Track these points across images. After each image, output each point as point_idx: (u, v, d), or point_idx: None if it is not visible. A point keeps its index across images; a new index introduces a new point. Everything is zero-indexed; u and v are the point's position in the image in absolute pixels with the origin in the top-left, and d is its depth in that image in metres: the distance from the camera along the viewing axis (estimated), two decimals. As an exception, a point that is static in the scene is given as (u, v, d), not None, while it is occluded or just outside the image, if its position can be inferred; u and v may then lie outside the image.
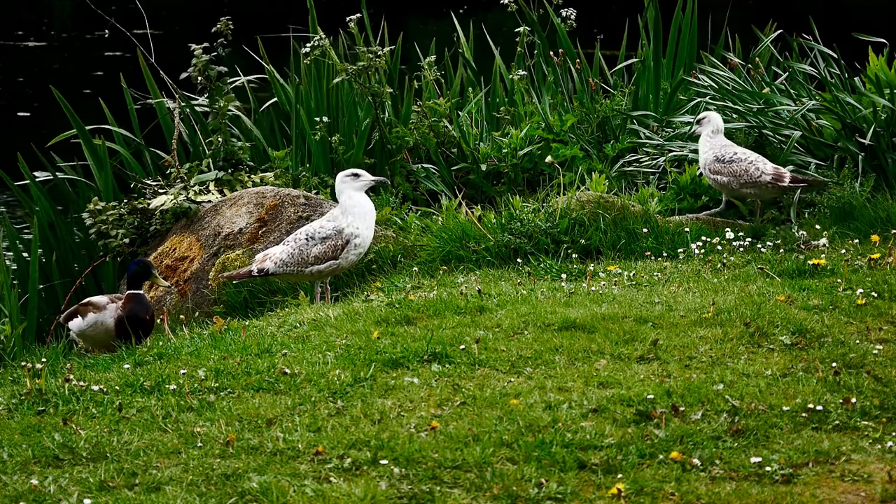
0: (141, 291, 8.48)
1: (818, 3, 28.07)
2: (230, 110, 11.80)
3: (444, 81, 13.07)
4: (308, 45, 11.95)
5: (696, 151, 11.09)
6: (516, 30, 13.08)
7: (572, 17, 13.11)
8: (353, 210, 9.12)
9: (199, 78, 11.64)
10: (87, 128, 11.92)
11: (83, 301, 8.66)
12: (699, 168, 10.54)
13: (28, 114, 21.86)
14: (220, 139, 11.63)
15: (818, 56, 11.68)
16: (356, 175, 9.13)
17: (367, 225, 9.15)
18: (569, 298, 8.01)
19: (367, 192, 9.24)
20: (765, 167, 10.26)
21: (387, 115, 11.98)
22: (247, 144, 11.84)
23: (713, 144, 10.40)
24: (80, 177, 12.00)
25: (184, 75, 11.85)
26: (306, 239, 9.15)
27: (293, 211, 10.61)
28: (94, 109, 12.43)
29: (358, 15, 12.28)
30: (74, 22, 32.58)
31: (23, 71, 26.45)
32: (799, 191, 10.37)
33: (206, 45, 11.66)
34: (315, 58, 11.95)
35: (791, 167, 10.70)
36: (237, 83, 12.74)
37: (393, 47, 12.35)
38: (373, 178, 9.19)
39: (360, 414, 6.21)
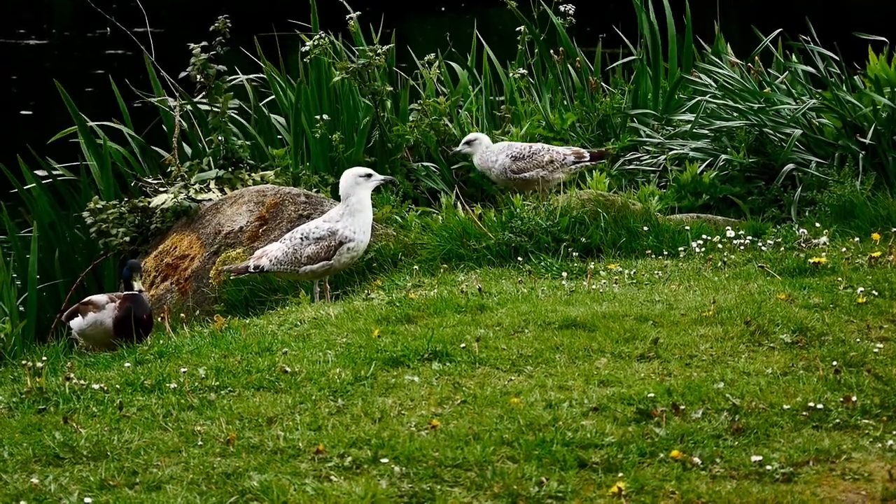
0: (137, 292, 8.46)
1: (818, 3, 28.06)
2: (231, 107, 11.79)
3: (445, 79, 13.06)
4: (308, 43, 11.95)
5: (697, 150, 11.08)
6: (517, 29, 13.06)
7: (571, 11, 13.09)
8: (354, 213, 9.11)
9: (199, 76, 11.63)
10: (89, 124, 11.92)
11: (84, 300, 8.66)
12: (493, 180, 10.93)
13: (30, 112, 21.86)
14: (220, 138, 11.63)
15: (817, 56, 11.68)
16: (369, 175, 9.12)
17: (364, 228, 9.13)
18: (569, 297, 8.01)
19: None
20: (564, 150, 10.79)
21: (386, 113, 11.97)
22: (247, 143, 11.84)
23: (498, 150, 10.78)
24: (80, 176, 11.99)
25: (183, 74, 11.84)
26: (301, 238, 9.15)
27: (294, 209, 10.61)
28: (96, 108, 12.42)
29: (358, 13, 12.28)
30: (75, 20, 32.58)
31: (24, 69, 26.46)
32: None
33: (204, 43, 11.65)
34: (315, 56, 11.95)
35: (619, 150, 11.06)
36: (236, 81, 12.74)
37: (391, 45, 12.34)
38: (382, 177, 9.21)
39: (361, 412, 6.21)
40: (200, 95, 11.95)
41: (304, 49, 12.02)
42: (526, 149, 10.74)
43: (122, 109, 12.34)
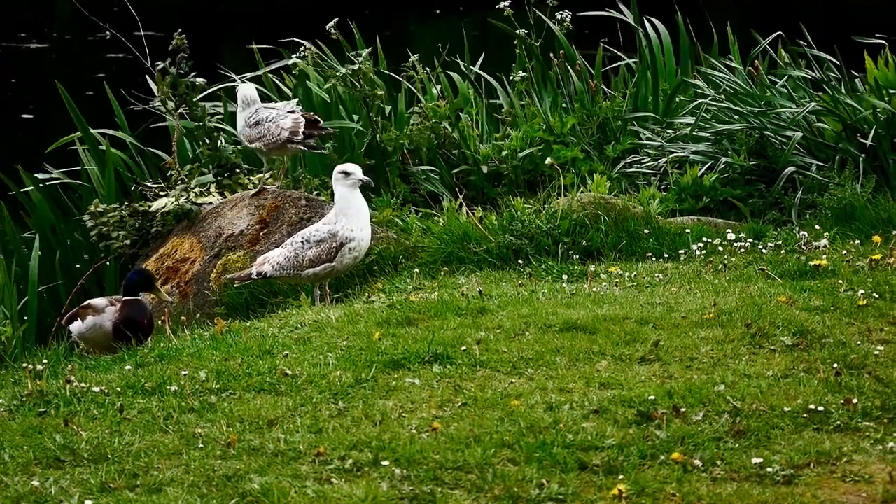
0: (138, 297, 8.45)
1: (818, 4, 28.04)
2: (214, 113, 11.76)
3: (443, 84, 13.05)
4: (292, 58, 12.01)
5: (697, 152, 11.09)
6: (515, 32, 13.06)
7: (567, 18, 13.08)
8: (346, 211, 9.08)
9: (173, 96, 11.50)
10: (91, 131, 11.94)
11: (83, 304, 8.66)
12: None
13: (30, 116, 21.87)
14: (208, 150, 11.56)
15: (814, 59, 11.68)
16: (347, 173, 9.05)
17: (360, 226, 9.09)
18: (570, 299, 8.01)
19: (363, 191, 9.20)
20: (284, 122, 10.28)
21: (384, 117, 11.98)
22: (238, 148, 11.78)
23: (247, 113, 10.39)
24: (81, 179, 12.00)
25: (154, 102, 11.82)
26: (302, 242, 9.14)
27: (294, 212, 10.61)
28: (96, 112, 12.42)
29: (336, 19, 12.29)
30: (75, 24, 32.59)
31: (24, 72, 26.46)
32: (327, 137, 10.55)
33: (168, 60, 11.45)
34: (302, 67, 12.00)
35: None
36: (233, 87, 12.76)
37: (371, 48, 12.34)
38: (361, 177, 9.08)
39: (362, 415, 6.21)
40: (182, 110, 11.88)
41: (291, 61, 12.07)
42: (254, 117, 10.34)
43: (118, 116, 12.32)
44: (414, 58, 12.74)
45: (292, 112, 10.41)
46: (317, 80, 12.19)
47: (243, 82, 11.42)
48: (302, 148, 10.36)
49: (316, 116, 10.48)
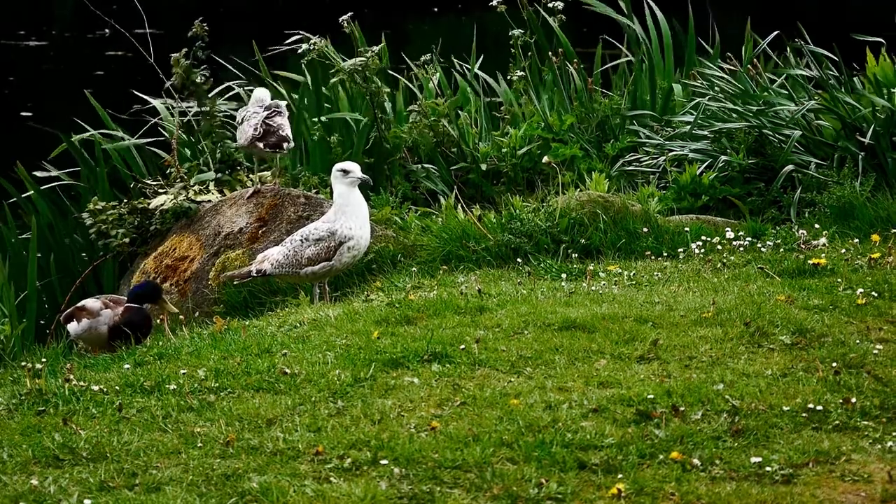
0: (142, 305, 8.44)
1: (814, 2, 28.03)
2: (221, 111, 11.77)
3: (442, 82, 13.05)
4: (305, 46, 11.97)
5: (696, 151, 11.09)
6: (511, 32, 13.04)
7: (560, 7, 13.05)
8: (344, 209, 9.09)
9: (184, 84, 11.56)
10: (101, 131, 11.95)
11: (78, 305, 8.65)
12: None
13: (29, 114, 21.86)
14: (212, 143, 11.57)
15: (813, 57, 11.67)
16: (345, 171, 9.07)
17: (359, 224, 9.09)
18: (569, 298, 8.01)
19: (362, 189, 9.21)
20: (249, 125, 10.36)
21: (386, 114, 11.98)
22: (243, 146, 11.78)
23: (240, 112, 10.54)
24: (79, 176, 12.00)
25: (168, 84, 11.83)
26: (301, 241, 9.15)
27: (293, 211, 10.61)
28: (95, 110, 12.42)
29: (350, 13, 12.28)
30: (75, 21, 32.56)
31: (24, 70, 26.45)
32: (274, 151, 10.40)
33: (185, 50, 11.56)
34: (312, 59, 11.96)
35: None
36: (231, 89, 12.76)
37: (383, 44, 12.34)
38: (359, 175, 9.09)
39: (361, 414, 6.21)
40: (189, 101, 11.90)
41: (300, 51, 12.04)
42: (239, 117, 10.48)
43: (106, 122, 12.32)
44: (426, 56, 12.74)
45: (267, 111, 10.45)
46: (331, 65, 12.16)
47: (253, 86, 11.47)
48: (266, 150, 10.39)
49: (269, 124, 10.46)
